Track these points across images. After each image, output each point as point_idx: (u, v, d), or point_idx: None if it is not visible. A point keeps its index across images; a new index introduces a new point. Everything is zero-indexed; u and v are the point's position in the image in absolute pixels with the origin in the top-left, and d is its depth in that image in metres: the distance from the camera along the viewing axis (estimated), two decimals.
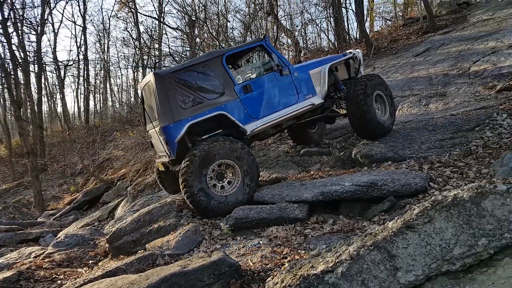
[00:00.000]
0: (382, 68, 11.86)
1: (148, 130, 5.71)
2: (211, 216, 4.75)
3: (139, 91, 5.95)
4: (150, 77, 5.12)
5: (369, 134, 5.88)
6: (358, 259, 1.71)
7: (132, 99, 23.79)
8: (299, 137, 7.38)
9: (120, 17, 27.63)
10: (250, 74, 6.03)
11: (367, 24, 18.63)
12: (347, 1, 21.07)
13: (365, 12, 18.20)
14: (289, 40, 17.16)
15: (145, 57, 19.96)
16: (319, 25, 20.55)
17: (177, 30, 14.88)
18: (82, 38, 24.67)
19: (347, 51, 6.76)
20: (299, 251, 3.49)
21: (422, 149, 5.27)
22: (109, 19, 38.57)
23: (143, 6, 46.27)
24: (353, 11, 17.31)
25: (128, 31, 23.56)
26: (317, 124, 7.39)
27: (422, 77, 9.75)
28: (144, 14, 34.12)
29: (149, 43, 20.37)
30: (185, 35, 13.89)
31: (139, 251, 4.46)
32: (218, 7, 14.10)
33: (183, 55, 13.71)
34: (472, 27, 13.13)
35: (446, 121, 5.88)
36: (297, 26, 20.30)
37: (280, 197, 4.59)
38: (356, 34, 18.86)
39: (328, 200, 4.34)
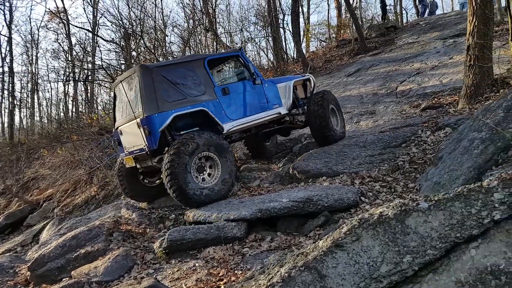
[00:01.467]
0: (318, 87, 12.29)
1: (117, 127, 5.80)
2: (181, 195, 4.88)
3: (112, 89, 6.09)
4: (134, 70, 5.34)
5: (328, 141, 6.56)
6: (289, 281, 1.68)
7: (62, 114, 22.40)
8: (256, 149, 7.75)
9: (51, 28, 26.05)
10: (224, 80, 6.54)
11: (303, 44, 19.35)
12: (285, 22, 21.73)
13: (302, 33, 18.91)
14: None
15: (77, 70, 18.98)
16: (258, 43, 21.02)
17: (111, 43, 14.36)
18: (7, 49, 22.84)
19: (305, 74, 7.73)
20: (235, 271, 3.41)
21: (354, 165, 5.47)
22: (38, 30, 36.19)
23: (76, 18, 44.23)
24: (290, 31, 17.90)
25: (59, 43, 22.29)
26: (271, 138, 7.86)
27: (354, 96, 10.24)
28: (76, 26, 32.67)
29: (81, 56, 19.41)
30: (119, 48, 13.44)
31: (64, 279, 4.16)
32: (155, 21, 13.87)
33: (117, 68, 13.24)
34: (399, 49, 14.12)
35: (376, 138, 6.17)
36: (236, 44, 20.57)
37: (218, 215, 4.49)
38: (294, 53, 19.50)
39: (266, 217, 4.32)
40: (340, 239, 1.76)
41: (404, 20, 21.94)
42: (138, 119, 5.08)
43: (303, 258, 1.79)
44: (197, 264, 3.72)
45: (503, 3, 10.11)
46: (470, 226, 1.77)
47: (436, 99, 8.01)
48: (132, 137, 5.39)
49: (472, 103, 6.53)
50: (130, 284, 3.01)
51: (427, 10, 21.82)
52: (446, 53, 11.53)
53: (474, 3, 6.40)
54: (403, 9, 22.96)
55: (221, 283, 3.21)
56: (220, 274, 3.40)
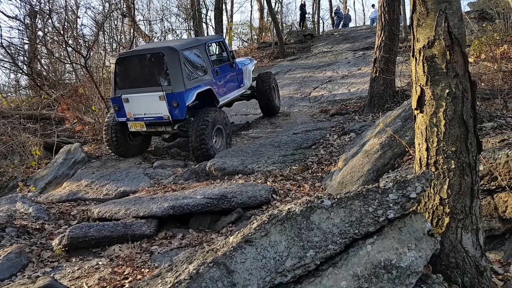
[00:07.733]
0: None
1: (121, 95, 6.40)
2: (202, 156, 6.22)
3: (112, 62, 6.56)
4: (158, 50, 6.13)
5: (271, 112, 8.50)
6: (197, 277, 1.67)
7: None
8: None
9: None
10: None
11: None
12: (208, 17, 21.59)
13: (224, 30, 18.96)
14: None
15: None
16: (180, 35, 20.57)
17: (14, 20, 12.91)
18: None
19: (251, 58, 9.24)
20: (142, 270, 3.29)
21: (268, 163, 5.63)
22: None
23: None
24: (213, 27, 17.85)
25: None
26: None
27: None
28: None
29: None
30: (24, 26, 12.15)
31: None
32: (66, 1, 12.81)
33: (19, 48, 11.94)
34: (315, 57, 14.88)
35: (289, 139, 6.44)
36: (156, 33, 19.89)
37: (126, 212, 4.30)
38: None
39: (179, 214, 4.24)
40: (250, 234, 1.79)
41: (321, 30, 23.22)
42: (163, 93, 6.00)
43: (212, 254, 1.79)
44: (100, 263, 3.52)
45: (408, 22, 11.26)
46: (367, 224, 1.92)
47: (344, 106, 8.61)
48: (147, 106, 6.27)
49: (375, 112, 7.14)
50: (23, 283, 2.74)
51: (342, 22, 23.37)
52: (355, 64, 12.45)
53: (383, 19, 7.01)
54: (320, 18, 24.29)
55: (126, 281, 3.08)
56: (125, 273, 3.26)
